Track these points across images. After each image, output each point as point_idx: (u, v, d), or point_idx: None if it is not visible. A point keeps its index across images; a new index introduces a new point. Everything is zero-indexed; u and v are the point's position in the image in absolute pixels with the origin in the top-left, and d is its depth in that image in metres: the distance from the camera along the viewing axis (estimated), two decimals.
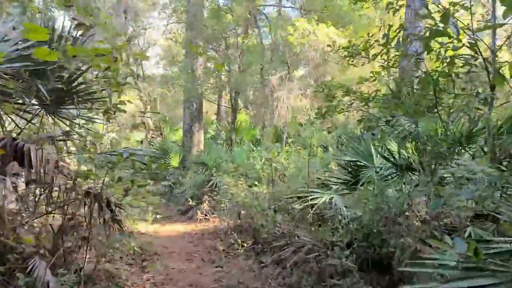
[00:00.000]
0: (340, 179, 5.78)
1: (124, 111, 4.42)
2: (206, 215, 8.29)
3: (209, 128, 18.68)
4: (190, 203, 8.59)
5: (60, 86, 3.28)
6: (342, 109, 4.14)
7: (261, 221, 5.61)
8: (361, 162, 5.58)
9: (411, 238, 3.71)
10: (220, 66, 8.24)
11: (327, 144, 8.88)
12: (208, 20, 12.61)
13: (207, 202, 8.36)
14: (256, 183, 7.56)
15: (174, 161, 13.97)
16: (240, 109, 13.61)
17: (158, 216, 9.30)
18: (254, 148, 11.49)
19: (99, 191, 3.87)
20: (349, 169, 5.75)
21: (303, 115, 10.90)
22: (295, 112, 11.05)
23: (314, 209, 4.95)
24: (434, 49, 3.79)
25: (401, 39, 3.88)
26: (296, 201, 5.46)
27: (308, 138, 7.58)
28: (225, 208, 7.16)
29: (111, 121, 4.80)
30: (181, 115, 24.36)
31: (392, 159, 5.26)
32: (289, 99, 10.33)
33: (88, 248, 4.27)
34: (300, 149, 9.40)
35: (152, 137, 22.12)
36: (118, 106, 4.95)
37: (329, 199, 5.07)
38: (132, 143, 24.34)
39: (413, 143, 4.99)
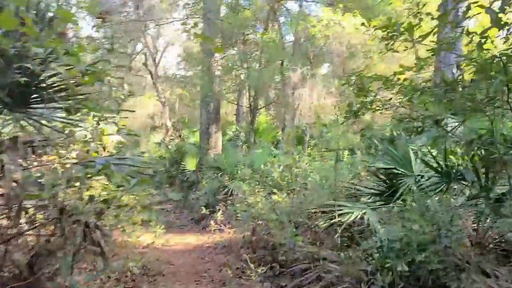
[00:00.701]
0: (372, 189, 4.91)
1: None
2: (220, 225, 7.55)
3: (228, 130, 18.03)
4: (204, 211, 7.87)
5: (24, 79, 2.60)
6: (379, 106, 3.30)
7: (280, 238, 4.81)
8: (397, 170, 4.70)
9: (473, 273, 2.83)
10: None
11: (353, 147, 7.98)
12: (226, 15, 11.92)
13: (221, 211, 7.63)
14: (275, 190, 6.76)
15: (191, 164, 13.33)
16: (260, 109, 12.81)
17: (169, 226, 8.67)
18: (274, 151, 10.69)
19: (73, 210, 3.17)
20: (383, 178, 4.87)
21: (328, 115, 10.02)
22: (319, 112, 10.18)
23: (342, 227, 4.11)
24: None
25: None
26: (320, 216, 4.64)
27: (334, 141, 6.72)
28: (241, 219, 6.40)
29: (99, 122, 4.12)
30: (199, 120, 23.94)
31: (436, 166, 4.36)
32: (311, 98, 9.49)
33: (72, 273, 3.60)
34: (324, 153, 8.55)
35: (171, 139, 21.66)
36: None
37: (361, 214, 4.22)
38: (151, 145, 24.03)
39: (464, 147, 4.09)
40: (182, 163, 13.56)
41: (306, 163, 7.12)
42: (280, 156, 8.93)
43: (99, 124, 4.11)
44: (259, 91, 10.98)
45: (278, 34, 11.88)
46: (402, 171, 4.67)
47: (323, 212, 4.59)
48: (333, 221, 4.22)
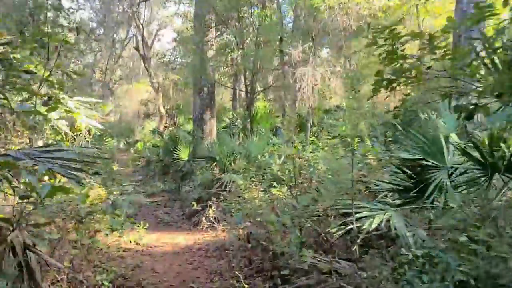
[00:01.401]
0: (395, 185, 4.02)
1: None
2: (213, 223, 6.69)
3: (224, 116, 17.06)
4: (195, 207, 7.00)
5: None
6: (415, 75, 2.37)
7: (282, 245, 3.94)
8: (428, 161, 3.80)
9: None
10: None
11: (362, 135, 7.07)
12: None
13: (214, 207, 6.76)
14: (275, 184, 5.89)
15: (184, 154, 12.43)
16: (257, 94, 11.84)
17: (158, 223, 7.81)
18: (273, 139, 9.79)
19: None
20: (408, 171, 3.98)
21: (333, 97, 9.05)
22: (324, 94, 9.22)
23: (361, 236, 3.23)
24: None
25: None
26: (332, 218, 3.76)
27: (348, 126, 5.81)
28: (236, 216, 5.53)
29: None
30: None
31: (479, 157, 3.46)
32: (314, 78, 8.51)
33: None
34: (329, 141, 7.64)
35: (165, 127, 20.72)
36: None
37: (385, 218, 3.34)
38: (145, 133, 23.08)
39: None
40: (175, 152, 12.66)
41: (310, 153, 6.21)
42: (279, 145, 8.03)
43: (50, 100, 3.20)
44: (256, 74, 10.01)
45: (277, 11, 10.85)
46: (433, 163, 3.78)
47: (335, 214, 3.72)
48: (349, 227, 3.34)
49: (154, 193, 11.05)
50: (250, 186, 5.94)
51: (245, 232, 4.73)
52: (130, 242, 5.88)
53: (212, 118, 12.30)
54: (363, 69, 10.27)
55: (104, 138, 12.40)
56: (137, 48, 19.72)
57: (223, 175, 7.54)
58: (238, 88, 13.34)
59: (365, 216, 3.40)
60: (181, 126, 19.71)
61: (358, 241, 3.22)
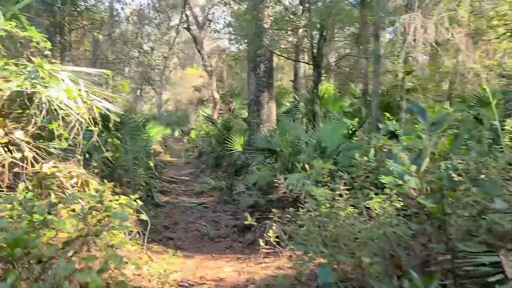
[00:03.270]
0: None
1: None
2: (275, 246, 4.64)
3: (284, 100, 14.89)
4: (249, 220, 4.99)
5: None
6: None
7: None
8: None
9: None
10: None
11: None
12: None
13: (275, 225, 4.70)
14: (373, 194, 3.69)
15: (238, 144, 10.55)
16: (327, 66, 9.46)
17: (200, 239, 5.93)
18: (352, 126, 7.50)
19: None
20: None
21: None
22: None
23: None
24: None
25: None
26: None
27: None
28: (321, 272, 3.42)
29: None
30: None
31: None
32: (425, 31, 5.89)
33: None
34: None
35: (220, 113, 19.06)
36: None
37: None
38: (199, 121, 21.66)
39: None
40: (228, 142, 10.82)
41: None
42: (368, 136, 5.75)
43: None
44: (327, 40, 7.70)
45: None
46: None
47: None
48: None
49: (203, 192, 9.29)
50: (332, 198, 3.78)
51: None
52: (153, 277, 4.03)
53: (270, 101, 10.21)
54: None
55: (147, 127, 10.87)
56: (188, 29, 18.10)
57: (287, 175, 5.43)
58: (302, 61, 10.92)
59: None
60: (236, 112, 17.91)
61: None
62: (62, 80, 3.64)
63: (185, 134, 22.34)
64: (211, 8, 19.34)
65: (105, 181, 5.37)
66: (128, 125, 6.38)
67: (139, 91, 23.76)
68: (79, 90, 3.84)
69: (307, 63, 10.85)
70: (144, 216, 4.45)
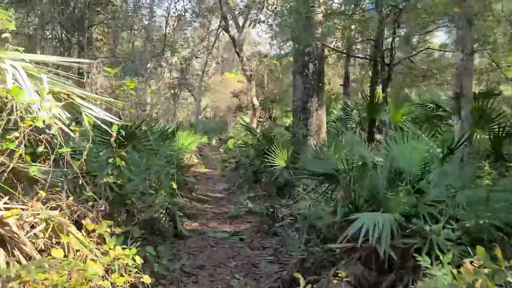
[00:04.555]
0: None
1: None
2: None
3: (332, 106, 13.13)
4: (303, 285, 3.35)
5: None
6: None
7: None
8: None
9: None
10: None
11: None
12: None
13: None
14: None
15: (280, 158, 8.94)
16: (397, 64, 7.64)
17: None
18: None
19: None
20: None
21: None
22: None
23: None
24: None
25: None
26: None
27: None
28: None
29: None
30: None
31: None
32: None
33: None
34: None
35: (259, 121, 17.58)
36: None
37: None
38: (237, 129, 20.30)
39: None
40: (269, 155, 9.26)
41: None
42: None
43: None
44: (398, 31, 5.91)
45: None
46: None
47: None
48: None
49: (238, 216, 7.76)
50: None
51: None
52: None
53: (320, 108, 8.56)
54: None
55: (176, 134, 9.56)
56: (226, 29, 16.81)
57: (354, 213, 3.74)
58: (356, 55, 9.05)
59: None
60: (277, 120, 16.35)
61: None
62: (7, 72, 2.23)
63: (222, 143, 21.11)
64: (251, 10, 17.96)
65: (101, 217, 4.02)
66: (144, 139, 4.96)
67: (173, 96, 22.85)
68: (40, 89, 2.43)
69: (371, 59, 9.05)
70: (147, 279, 3.01)
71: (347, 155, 5.36)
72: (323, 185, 5.11)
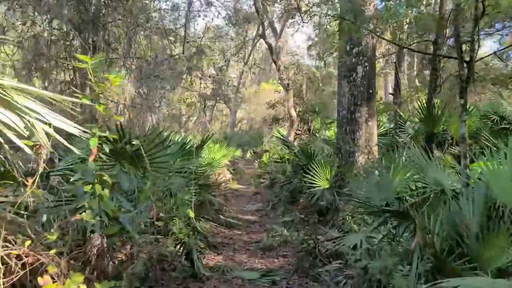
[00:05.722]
0: None
1: None
2: None
3: (379, 119, 11.64)
4: None
5: None
6: None
7: None
8: None
9: None
10: None
11: None
12: None
13: None
14: None
15: (322, 178, 7.62)
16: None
17: None
18: None
19: None
20: None
21: None
22: None
23: None
24: None
25: None
26: None
27: None
28: None
29: None
30: (335, 106, 17.66)
31: None
32: None
33: None
34: None
35: (296, 134, 16.29)
36: None
37: None
38: (273, 142, 19.09)
39: None
40: (308, 173, 7.97)
41: None
42: None
43: None
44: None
45: None
46: None
47: None
48: None
49: (272, 248, 6.48)
50: None
51: None
52: None
53: (370, 119, 7.20)
54: None
55: (204, 147, 8.51)
56: (262, 36, 15.79)
57: (454, 281, 2.38)
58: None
59: None
60: (317, 132, 14.99)
61: None
62: None
63: (257, 157, 19.98)
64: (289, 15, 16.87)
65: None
66: (151, 155, 3.86)
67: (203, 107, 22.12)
68: None
69: (445, 56, 7.58)
70: None
71: (417, 180, 4.00)
72: (386, 222, 3.76)
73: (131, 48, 7.21)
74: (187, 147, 6.19)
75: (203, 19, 21.14)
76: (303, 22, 7.47)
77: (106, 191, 2.74)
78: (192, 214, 4.66)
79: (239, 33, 24.05)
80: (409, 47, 7.58)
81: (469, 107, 8.62)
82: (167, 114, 23.56)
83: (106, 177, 2.70)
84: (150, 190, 3.76)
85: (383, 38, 6.46)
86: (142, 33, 7.40)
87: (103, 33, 6.40)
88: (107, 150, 2.77)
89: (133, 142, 3.13)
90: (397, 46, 7.71)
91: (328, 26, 7.28)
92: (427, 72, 20.16)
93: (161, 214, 4.13)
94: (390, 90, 15.27)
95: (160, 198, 4.04)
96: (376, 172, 5.51)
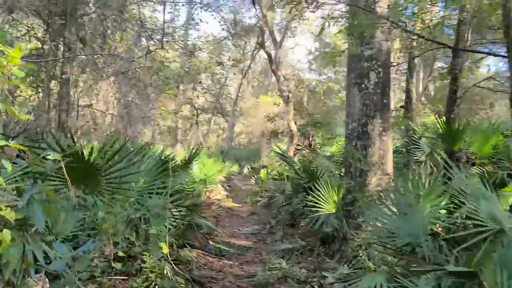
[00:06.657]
0: None
1: None
2: None
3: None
4: None
5: None
6: None
7: None
8: None
9: None
10: None
11: None
12: None
13: None
14: None
15: (327, 202, 6.55)
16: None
17: None
18: None
19: None
20: None
21: None
22: None
23: None
24: None
25: None
26: None
27: None
28: None
29: None
30: (339, 120, 16.62)
31: None
32: None
33: None
34: None
35: (297, 149, 15.28)
36: None
37: None
38: (271, 158, 18.07)
39: None
40: (310, 194, 6.92)
41: None
42: None
43: None
44: None
45: None
46: None
47: None
48: None
49: (268, 284, 5.38)
50: None
51: None
52: None
53: (385, 133, 6.18)
54: None
55: (193, 163, 7.49)
56: (262, 45, 14.93)
57: None
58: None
59: None
60: (319, 148, 13.98)
61: None
62: None
63: (255, 172, 18.93)
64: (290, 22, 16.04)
65: None
66: (108, 172, 2.84)
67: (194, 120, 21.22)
68: None
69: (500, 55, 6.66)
70: None
71: (470, 213, 2.99)
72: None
73: (105, 44, 6.31)
74: (165, 163, 5.14)
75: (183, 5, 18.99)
76: (310, 11, 6.69)
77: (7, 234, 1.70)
78: (166, 249, 3.60)
79: (238, 44, 23.29)
80: (444, 43, 6.63)
81: (493, 123, 7.65)
82: (162, 127, 22.59)
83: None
84: (104, 220, 2.72)
85: (406, 29, 5.50)
86: (115, 25, 6.50)
87: (76, 28, 5.49)
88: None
89: (48, 155, 2.05)
90: (422, 39, 6.76)
91: (333, 25, 6.41)
92: (435, 84, 19.32)
93: (118, 252, 3.08)
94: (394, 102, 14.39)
95: (118, 231, 2.99)
96: (396, 196, 4.46)
